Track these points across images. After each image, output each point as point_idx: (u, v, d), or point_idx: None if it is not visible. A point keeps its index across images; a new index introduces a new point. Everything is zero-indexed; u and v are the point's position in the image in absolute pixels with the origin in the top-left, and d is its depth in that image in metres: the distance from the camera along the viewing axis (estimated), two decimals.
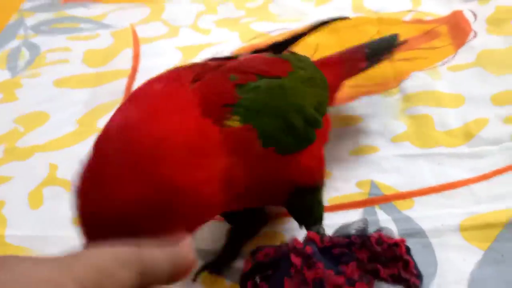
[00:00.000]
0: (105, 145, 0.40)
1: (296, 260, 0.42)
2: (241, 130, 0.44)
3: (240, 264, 0.53)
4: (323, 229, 0.50)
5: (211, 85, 0.45)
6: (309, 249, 0.42)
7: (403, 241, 0.43)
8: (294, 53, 0.61)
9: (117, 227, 0.36)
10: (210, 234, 0.58)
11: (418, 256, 0.49)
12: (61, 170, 0.71)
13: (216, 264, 0.55)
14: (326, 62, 0.63)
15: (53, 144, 0.76)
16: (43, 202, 0.67)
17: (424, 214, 0.55)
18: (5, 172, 0.73)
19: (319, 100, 0.53)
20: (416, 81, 0.73)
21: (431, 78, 0.73)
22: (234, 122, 0.44)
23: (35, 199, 0.67)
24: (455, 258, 0.50)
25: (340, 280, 0.40)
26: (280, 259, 0.42)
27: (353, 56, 0.67)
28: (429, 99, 0.69)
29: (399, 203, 0.57)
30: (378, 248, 0.42)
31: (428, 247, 0.52)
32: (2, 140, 0.78)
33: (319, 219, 0.52)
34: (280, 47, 0.62)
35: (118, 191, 0.37)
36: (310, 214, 0.52)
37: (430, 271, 0.49)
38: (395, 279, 0.42)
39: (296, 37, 0.64)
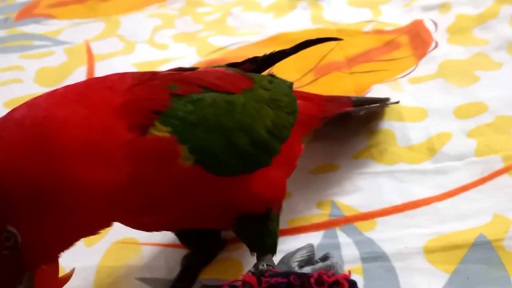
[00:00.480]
0: (7, 117, 0.39)
1: None
2: (164, 140, 0.41)
3: None
4: (272, 262, 0.48)
5: (144, 90, 0.43)
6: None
7: (345, 277, 0.40)
8: (272, 76, 0.58)
9: None
10: (165, 262, 0.56)
11: (380, 281, 0.48)
12: None
13: None
14: (309, 96, 0.60)
15: None
16: None
17: (386, 235, 0.53)
18: None
19: (277, 124, 0.49)
20: (377, 95, 0.71)
21: (392, 91, 0.71)
22: (162, 133, 0.41)
23: None
24: (419, 282, 0.48)
25: None
26: None
27: (339, 98, 0.64)
28: (391, 113, 0.67)
29: (360, 225, 0.55)
30: None
31: (391, 271, 0.49)
32: None
33: (271, 249, 0.49)
34: (263, 63, 0.59)
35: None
36: (261, 243, 0.49)
37: None
38: None
39: (280, 54, 0.60)
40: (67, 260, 0.52)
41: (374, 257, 0.51)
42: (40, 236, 0.37)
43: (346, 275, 0.40)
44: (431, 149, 0.61)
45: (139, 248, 0.58)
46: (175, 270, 0.54)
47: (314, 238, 0.54)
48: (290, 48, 0.60)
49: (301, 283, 0.40)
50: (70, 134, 0.38)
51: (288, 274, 0.40)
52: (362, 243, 0.53)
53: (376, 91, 0.72)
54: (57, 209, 0.37)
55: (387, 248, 0.51)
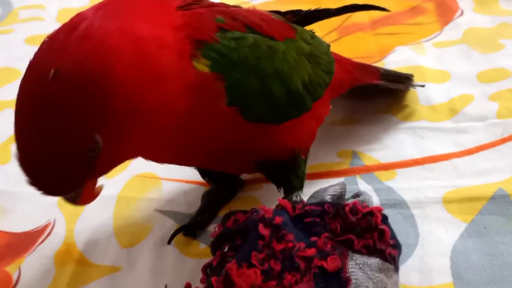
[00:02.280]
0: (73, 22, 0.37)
1: (264, 231, 0.39)
2: (208, 77, 0.40)
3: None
4: (300, 196, 0.49)
5: (193, 18, 0.42)
6: (278, 219, 0.39)
7: (379, 209, 0.41)
8: (312, 32, 0.56)
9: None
10: (184, 197, 0.57)
11: (399, 227, 0.48)
12: None
13: (191, 227, 0.53)
14: (343, 60, 0.59)
15: None
16: (11, 158, 0.64)
17: (406, 185, 0.54)
18: None
19: (314, 80, 0.49)
20: (400, 56, 0.72)
21: (415, 53, 0.72)
22: (202, 66, 0.40)
23: (3, 154, 0.65)
24: (437, 229, 0.49)
25: (311, 252, 0.38)
26: (249, 227, 0.40)
27: (369, 68, 0.64)
28: (414, 74, 0.68)
29: (380, 174, 0.56)
30: (352, 218, 0.40)
31: (410, 218, 0.50)
32: None
33: (298, 188, 0.50)
34: (304, 18, 0.58)
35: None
36: (289, 183, 0.49)
37: (411, 242, 0.48)
38: (369, 250, 0.39)
39: (324, 13, 0.60)
40: None
41: (393, 203, 0.52)
42: (116, 148, 0.37)
43: (380, 207, 0.41)
44: (452, 110, 0.62)
45: (159, 183, 0.59)
46: (194, 206, 0.55)
47: None
48: (335, 9, 0.60)
49: (335, 211, 0.40)
50: (159, 57, 0.37)
51: (323, 203, 0.41)
52: (382, 190, 0.54)
53: (399, 53, 0.72)
54: (138, 124, 0.37)
55: (406, 196, 0.52)
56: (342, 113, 0.65)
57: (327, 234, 0.39)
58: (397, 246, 0.41)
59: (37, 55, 0.36)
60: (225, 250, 0.40)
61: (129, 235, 0.53)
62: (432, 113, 0.62)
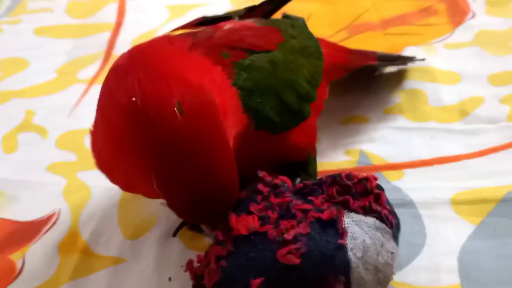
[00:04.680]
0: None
1: (263, 188, 0.40)
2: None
3: None
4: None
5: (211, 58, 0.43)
6: (278, 180, 0.41)
7: (374, 177, 0.42)
8: (287, 16, 0.59)
9: None
10: None
11: (407, 227, 0.48)
12: (37, 117, 0.69)
13: None
14: (332, 45, 0.61)
15: (30, 91, 0.74)
16: (18, 147, 0.64)
17: (414, 185, 0.53)
18: None
19: (312, 72, 0.51)
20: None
21: (426, 54, 0.71)
22: None
23: (9, 144, 0.65)
24: (445, 230, 0.48)
25: (308, 206, 0.39)
26: (247, 193, 0.41)
27: (364, 52, 0.65)
28: (424, 75, 0.67)
29: (388, 174, 0.55)
30: (348, 182, 0.41)
31: (417, 218, 0.50)
32: None
33: None
34: (279, 2, 0.60)
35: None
36: None
37: (419, 241, 0.48)
38: (365, 211, 0.40)
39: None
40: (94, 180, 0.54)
41: (401, 203, 0.51)
42: None
43: (375, 176, 0.42)
44: (462, 111, 0.62)
45: None
46: None
47: None
48: None
49: (332, 179, 0.42)
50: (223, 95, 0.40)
51: (321, 178, 0.43)
52: (390, 190, 0.52)
53: (409, 53, 0.72)
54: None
55: (414, 196, 0.52)
56: (350, 111, 0.64)
57: (323, 196, 0.41)
58: (393, 214, 0.42)
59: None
60: None
61: (134, 227, 0.52)
62: (442, 114, 0.62)
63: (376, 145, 0.59)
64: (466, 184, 0.53)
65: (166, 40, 0.45)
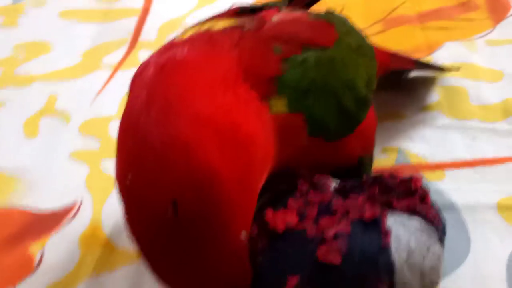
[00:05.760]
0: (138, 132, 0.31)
1: (303, 185, 0.38)
2: (287, 117, 0.37)
3: None
4: None
5: (254, 56, 0.38)
6: (318, 178, 0.39)
7: (419, 178, 0.39)
8: (330, 13, 0.55)
9: None
10: None
11: (449, 232, 0.44)
12: (60, 102, 0.67)
13: None
14: (377, 46, 0.55)
15: (54, 75, 0.72)
16: (39, 132, 0.62)
17: (456, 188, 0.50)
18: (0, 97, 0.69)
19: (369, 74, 0.46)
20: (450, 52, 0.68)
21: (467, 50, 0.68)
22: (280, 106, 0.37)
23: (31, 128, 0.63)
24: (491, 237, 0.45)
25: (349, 205, 0.37)
26: (286, 189, 0.39)
27: (400, 55, 0.61)
28: (465, 71, 0.64)
29: (428, 174, 0.52)
30: (391, 182, 0.39)
31: (460, 223, 0.47)
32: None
33: None
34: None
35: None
36: None
37: (463, 248, 0.45)
38: (410, 212, 0.37)
39: None
40: None
41: (441, 206, 0.47)
42: (249, 223, 0.34)
43: (421, 176, 0.40)
44: (506, 111, 0.58)
45: None
46: None
47: None
48: None
49: (374, 179, 0.39)
50: (245, 129, 0.34)
51: (362, 177, 0.40)
52: (431, 192, 0.50)
53: (449, 48, 0.69)
54: (253, 194, 0.34)
55: (457, 200, 0.49)
56: (386, 108, 0.61)
57: (365, 195, 0.38)
58: (439, 216, 0.39)
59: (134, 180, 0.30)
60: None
61: None
62: (484, 113, 0.59)
63: (414, 143, 0.56)
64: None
65: (207, 45, 0.38)
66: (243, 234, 0.32)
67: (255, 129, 0.34)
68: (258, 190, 0.35)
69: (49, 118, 0.64)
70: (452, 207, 0.48)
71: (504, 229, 0.46)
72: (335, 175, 0.44)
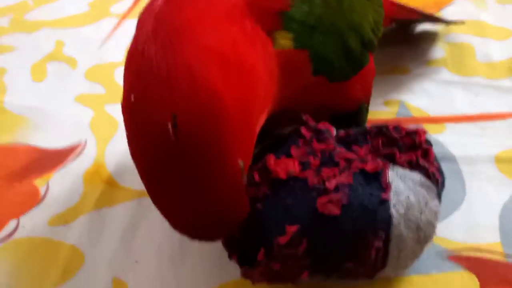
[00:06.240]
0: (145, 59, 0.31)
1: (306, 133, 0.38)
2: (292, 53, 0.37)
3: None
4: None
5: None
6: (322, 126, 0.38)
7: (424, 131, 0.39)
8: None
9: None
10: None
11: (446, 182, 0.45)
12: (67, 48, 0.67)
13: None
14: None
15: (62, 21, 0.72)
16: (47, 76, 0.63)
17: (456, 140, 0.51)
18: (9, 41, 0.69)
19: (376, 20, 0.46)
20: (459, 8, 0.68)
21: (476, 7, 0.68)
22: (285, 41, 0.37)
23: (38, 72, 0.63)
24: (487, 188, 0.46)
25: (352, 156, 0.37)
26: (290, 135, 0.38)
27: (407, 5, 0.60)
28: (472, 28, 0.64)
29: (428, 127, 0.53)
30: (395, 135, 0.38)
31: (457, 173, 0.47)
32: (9, 10, 0.75)
33: None
34: None
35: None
36: None
37: (458, 197, 0.45)
38: (412, 166, 0.37)
39: None
40: None
41: (441, 157, 0.48)
42: (249, 155, 0.34)
43: (424, 130, 0.39)
44: (511, 68, 0.58)
45: None
46: None
47: None
48: None
49: (378, 129, 0.39)
50: (246, 56, 0.33)
51: (366, 127, 0.40)
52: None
53: (458, 5, 0.68)
54: (253, 124, 0.34)
55: (455, 151, 0.49)
56: (391, 61, 0.61)
57: (368, 147, 0.38)
58: (440, 171, 0.39)
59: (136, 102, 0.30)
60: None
61: None
62: (489, 70, 0.59)
63: (417, 97, 0.56)
64: (511, 143, 0.50)
65: None
66: (241, 164, 0.32)
67: (259, 62, 0.34)
68: (259, 125, 0.35)
69: (56, 63, 0.65)
70: (450, 158, 0.49)
71: (500, 180, 0.46)
72: (334, 121, 0.45)
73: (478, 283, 0.39)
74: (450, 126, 0.53)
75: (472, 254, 0.41)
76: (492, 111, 0.54)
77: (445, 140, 0.51)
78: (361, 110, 0.46)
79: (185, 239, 0.44)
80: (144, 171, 0.31)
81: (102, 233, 0.45)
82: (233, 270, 0.38)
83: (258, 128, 0.35)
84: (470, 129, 0.52)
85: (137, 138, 0.30)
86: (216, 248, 0.43)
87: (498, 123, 0.52)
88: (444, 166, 0.47)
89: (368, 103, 0.48)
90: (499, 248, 0.41)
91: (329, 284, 0.37)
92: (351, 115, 0.46)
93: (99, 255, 0.44)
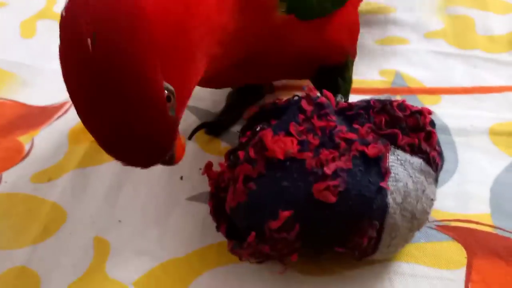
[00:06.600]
0: None
1: (307, 106, 0.36)
2: None
3: (238, 128, 0.48)
4: (344, 100, 0.45)
5: None
6: (323, 99, 0.37)
7: (429, 111, 0.37)
8: None
9: None
10: (210, 95, 0.53)
11: None
12: (59, 6, 0.66)
13: (214, 125, 0.50)
14: None
15: None
16: (36, 33, 0.61)
17: (451, 112, 0.50)
18: None
19: None
20: None
21: None
22: None
23: (28, 29, 0.62)
24: (479, 159, 0.45)
25: (353, 136, 0.35)
26: (289, 105, 0.36)
27: None
28: (473, 1, 0.63)
29: (423, 98, 0.52)
30: (399, 113, 0.36)
31: (450, 144, 0.46)
32: None
33: (345, 94, 0.46)
34: None
35: None
36: (335, 89, 0.44)
37: (450, 168, 0.44)
38: (413, 150, 0.36)
39: None
40: None
41: None
42: (183, 86, 0.32)
43: (429, 110, 0.37)
44: (511, 42, 0.57)
45: None
46: (220, 105, 0.52)
47: None
48: None
49: (382, 105, 0.37)
50: None
51: (369, 100, 0.38)
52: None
53: None
54: (190, 48, 0.32)
55: (450, 123, 0.49)
56: (388, 32, 0.60)
57: (370, 125, 0.36)
58: (441, 155, 0.38)
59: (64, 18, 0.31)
60: (257, 129, 0.36)
61: None
62: (488, 44, 0.57)
63: (413, 67, 0.55)
64: (507, 116, 0.49)
65: None
66: (168, 87, 0.30)
67: None
68: (208, 54, 0.33)
69: (46, 21, 0.63)
70: (443, 129, 0.48)
71: (493, 153, 0.46)
72: (322, 76, 0.43)
73: (465, 253, 0.39)
74: (445, 97, 0.52)
75: (461, 224, 0.41)
76: (490, 83, 0.53)
77: (440, 111, 0.50)
78: (347, 64, 0.45)
79: (169, 201, 0.44)
80: (68, 87, 0.30)
81: (85, 192, 0.44)
82: (216, 235, 0.38)
83: (204, 57, 0.33)
84: (466, 101, 0.51)
85: (63, 54, 0.30)
86: (200, 211, 0.42)
87: (495, 96, 0.52)
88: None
89: (354, 58, 0.47)
90: (489, 220, 0.41)
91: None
92: (338, 69, 0.45)
93: (82, 214, 0.43)
